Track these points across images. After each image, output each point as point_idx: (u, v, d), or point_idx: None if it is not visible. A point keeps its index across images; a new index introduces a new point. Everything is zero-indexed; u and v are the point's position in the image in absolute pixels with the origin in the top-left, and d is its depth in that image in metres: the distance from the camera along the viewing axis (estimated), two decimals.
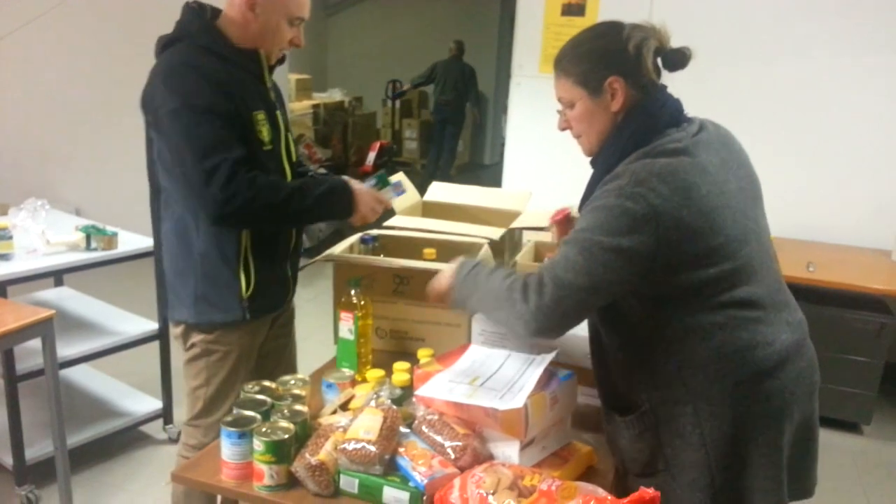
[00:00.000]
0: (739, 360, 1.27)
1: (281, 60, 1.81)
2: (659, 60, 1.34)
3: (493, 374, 1.39)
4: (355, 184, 1.82)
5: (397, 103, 9.26)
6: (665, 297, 1.28)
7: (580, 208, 1.40)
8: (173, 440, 2.87)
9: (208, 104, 1.58)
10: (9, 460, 2.45)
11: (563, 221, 1.71)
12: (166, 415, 2.89)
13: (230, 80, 1.65)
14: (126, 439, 2.85)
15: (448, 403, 1.32)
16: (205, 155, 1.56)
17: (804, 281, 2.90)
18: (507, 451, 1.28)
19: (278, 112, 1.79)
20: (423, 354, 1.65)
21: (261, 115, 1.70)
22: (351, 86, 8.76)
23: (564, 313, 1.27)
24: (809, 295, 2.71)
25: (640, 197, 1.20)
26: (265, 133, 1.71)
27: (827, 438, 1.91)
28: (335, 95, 8.47)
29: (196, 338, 1.78)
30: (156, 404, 2.90)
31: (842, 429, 3.19)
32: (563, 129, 1.44)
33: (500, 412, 1.23)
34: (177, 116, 1.58)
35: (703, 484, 1.30)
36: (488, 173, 9.02)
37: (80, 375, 3.07)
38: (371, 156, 8.71)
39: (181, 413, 2.84)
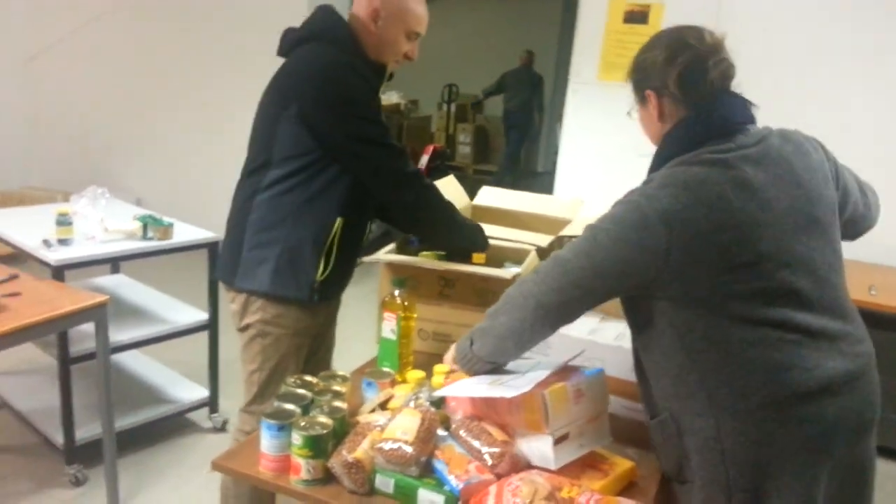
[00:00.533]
0: (770, 380, 1.21)
1: (390, 76, 1.88)
2: (698, 75, 1.31)
3: (516, 377, 1.36)
4: None
5: (453, 107, 9.28)
6: (688, 306, 1.24)
7: None
8: (218, 429, 2.92)
9: (372, 102, 1.74)
10: (59, 439, 2.53)
11: None
12: (212, 403, 2.95)
13: (373, 83, 1.76)
14: (172, 425, 2.92)
15: (472, 404, 1.32)
16: (399, 155, 1.77)
17: (866, 305, 2.78)
18: (542, 447, 1.25)
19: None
20: (439, 370, 1.53)
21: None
22: (407, 88, 8.81)
23: (559, 290, 1.28)
24: (871, 319, 2.59)
25: (657, 200, 1.22)
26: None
27: (888, 469, 1.81)
28: (392, 97, 8.53)
29: (254, 316, 1.79)
30: (202, 393, 2.96)
31: (884, 456, 3.04)
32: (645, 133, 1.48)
33: (518, 404, 1.23)
34: (342, 116, 1.68)
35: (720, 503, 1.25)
36: (540, 181, 8.94)
37: (131, 361, 3.15)
38: (424, 159, 8.75)
39: (227, 402, 2.92)
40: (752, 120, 1.34)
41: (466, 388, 1.35)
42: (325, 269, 1.76)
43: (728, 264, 1.21)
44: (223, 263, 1.87)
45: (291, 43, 1.77)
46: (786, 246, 1.24)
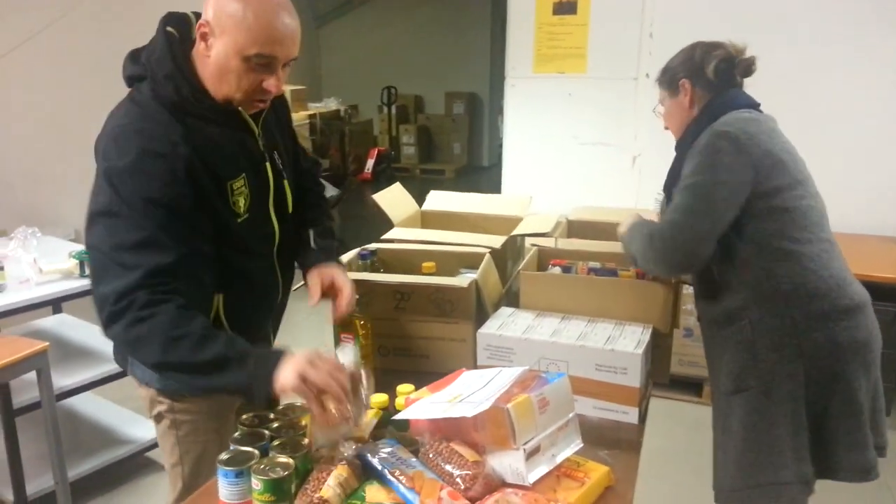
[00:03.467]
0: (833, 286, 1.58)
1: (270, 105, 1.46)
2: (730, 67, 1.73)
3: (477, 391, 1.31)
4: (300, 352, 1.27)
5: (393, 109, 9.23)
6: (768, 219, 1.59)
7: (665, 187, 1.77)
8: None
9: (152, 192, 1.27)
10: (10, 496, 2.39)
11: None
12: None
13: (202, 144, 1.33)
14: (132, 467, 2.80)
15: (438, 425, 1.28)
16: (121, 246, 1.26)
17: None
18: (514, 463, 1.21)
19: (268, 164, 1.48)
20: (403, 391, 1.48)
21: (238, 183, 1.40)
22: (346, 94, 8.73)
23: (688, 250, 1.59)
24: None
25: (729, 135, 1.58)
26: (241, 203, 1.41)
27: None
28: (331, 105, 8.44)
29: (161, 406, 1.53)
30: None
31: None
32: (665, 128, 1.88)
33: (483, 421, 1.19)
34: (108, 189, 1.28)
35: (798, 395, 1.58)
36: (487, 175, 8.96)
37: (83, 403, 3.02)
38: (370, 163, 8.70)
39: None
40: (756, 108, 1.74)
41: (426, 410, 1.30)
42: None
43: (790, 180, 1.61)
44: (115, 344, 1.52)
45: (125, 75, 1.42)
46: (802, 174, 1.67)
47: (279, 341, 1.68)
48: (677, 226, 1.59)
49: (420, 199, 2.48)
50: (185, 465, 1.58)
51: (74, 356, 2.71)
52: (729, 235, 1.61)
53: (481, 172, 9.26)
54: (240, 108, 1.38)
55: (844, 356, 1.58)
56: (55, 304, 3.08)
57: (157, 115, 1.32)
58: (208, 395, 1.49)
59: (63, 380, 2.45)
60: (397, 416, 1.34)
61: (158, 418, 1.58)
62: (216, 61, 1.30)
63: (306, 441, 1.26)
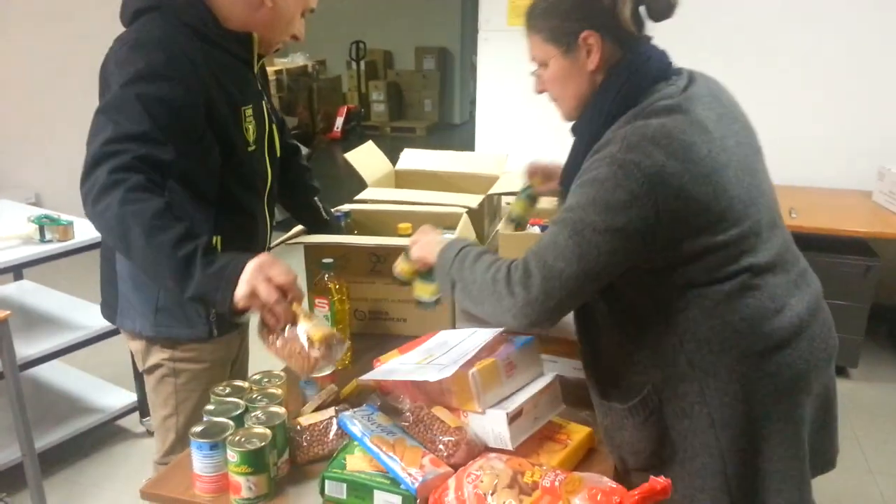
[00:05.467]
0: (746, 332, 1.16)
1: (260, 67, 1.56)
2: (642, 10, 1.20)
3: (446, 353, 1.29)
4: (263, 258, 1.23)
5: (362, 65, 9.03)
6: (666, 270, 1.15)
7: (562, 182, 1.30)
8: (151, 433, 2.76)
9: (162, 91, 1.27)
10: None
11: (540, 171, 1.65)
12: (142, 407, 2.78)
13: (219, 68, 1.38)
14: (102, 435, 2.74)
15: (406, 389, 1.26)
16: (117, 138, 1.23)
17: (788, 228, 2.83)
18: (497, 427, 1.20)
19: (264, 102, 1.55)
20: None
21: (248, 111, 1.46)
22: (313, 49, 8.49)
23: (556, 305, 1.13)
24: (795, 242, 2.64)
25: (634, 166, 1.07)
26: (251, 131, 1.47)
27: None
28: (297, 60, 8.22)
29: (159, 356, 1.53)
30: (130, 397, 2.79)
31: None
32: (539, 92, 1.30)
33: (448, 385, 1.19)
34: (115, 92, 1.27)
35: (715, 469, 1.19)
36: (459, 133, 8.87)
37: (49, 372, 2.94)
38: (339, 121, 8.53)
39: None
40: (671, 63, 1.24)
41: (392, 372, 1.29)
42: None
43: (708, 217, 1.12)
44: (103, 296, 1.58)
45: (127, 15, 1.42)
46: (745, 184, 1.17)
47: None
48: (535, 278, 1.13)
49: (391, 158, 2.41)
50: (180, 416, 1.57)
51: (38, 324, 2.63)
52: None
53: (453, 130, 9.15)
54: (250, 45, 1.46)
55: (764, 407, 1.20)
56: (16, 271, 2.99)
57: (177, 36, 1.35)
58: (207, 335, 1.50)
59: (26, 349, 2.37)
60: (364, 377, 1.32)
61: (153, 369, 1.56)
62: (280, 11, 1.43)
63: (283, 411, 1.22)
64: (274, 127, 1.60)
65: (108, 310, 1.58)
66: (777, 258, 1.22)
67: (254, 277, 1.18)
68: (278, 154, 1.64)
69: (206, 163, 1.40)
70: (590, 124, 1.21)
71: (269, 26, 1.45)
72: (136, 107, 1.25)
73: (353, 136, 8.49)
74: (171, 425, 1.59)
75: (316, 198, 1.88)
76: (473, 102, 4.31)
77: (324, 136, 8.42)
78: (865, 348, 3.18)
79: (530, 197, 1.68)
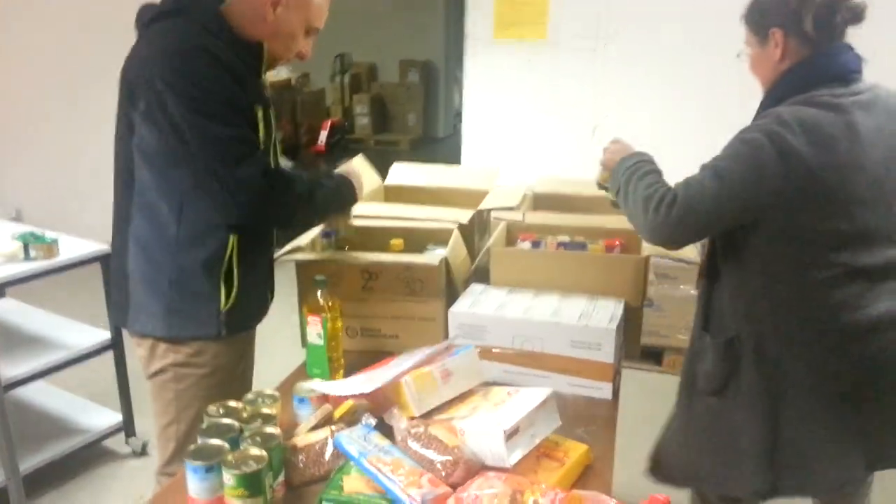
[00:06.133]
0: (829, 318, 1.39)
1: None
2: (835, 16, 1.41)
3: (393, 368, 1.39)
4: (344, 171, 1.77)
5: (346, 78, 9.03)
6: (780, 241, 1.40)
7: None
8: (138, 453, 2.73)
9: (230, 97, 1.42)
10: None
11: None
12: (128, 427, 2.74)
13: (235, 66, 1.45)
14: (87, 456, 2.69)
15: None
16: (236, 160, 1.41)
17: None
18: (494, 446, 1.19)
19: (271, 110, 1.61)
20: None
21: (260, 112, 1.53)
22: (297, 63, 8.48)
23: (685, 233, 1.43)
24: None
25: (778, 136, 1.34)
26: (261, 131, 1.53)
27: None
28: (281, 73, 8.18)
29: (163, 360, 1.55)
30: (115, 417, 2.74)
31: None
32: (751, 71, 1.57)
33: (388, 394, 1.29)
34: (195, 109, 1.38)
35: (762, 410, 1.45)
36: (443, 146, 8.88)
37: (33, 392, 2.88)
38: (323, 135, 8.49)
39: (144, 423, 2.72)
40: (861, 71, 1.46)
41: (338, 388, 1.37)
42: (228, 297, 1.53)
43: (827, 203, 1.36)
44: (114, 301, 1.64)
45: (143, 21, 1.50)
46: (871, 190, 1.39)
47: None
48: (679, 202, 1.39)
49: (377, 170, 2.41)
50: (181, 423, 1.58)
51: (22, 344, 2.58)
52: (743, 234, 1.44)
53: (437, 143, 9.16)
54: (261, 54, 1.53)
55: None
56: None
57: (204, 37, 1.43)
58: (215, 333, 1.56)
59: (11, 369, 2.33)
60: (311, 385, 1.43)
61: (158, 373, 1.58)
62: (280, 26, 1.50)
63: (278, 431, 1.21)
64: (276, 137, 1.66)
65: (119, 312, 1.60)
66: (881, 263, 1.41)
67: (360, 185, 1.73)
68: (278, 161, 1.70)
69: None
70: (766, 102, 1.48)
71: (271, 40, 1.51)
72: (223, 111, 1.42)
73: (337, 150, 8.47)
74: (171, 434, 1.60)
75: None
76: (457, 116, 4.34)
77: (308, 150, 8.40)
78: None
79: (602, 189, 1.78)
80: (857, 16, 1.42)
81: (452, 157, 4.29)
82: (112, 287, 1.64)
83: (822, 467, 1.48)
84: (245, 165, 1.42)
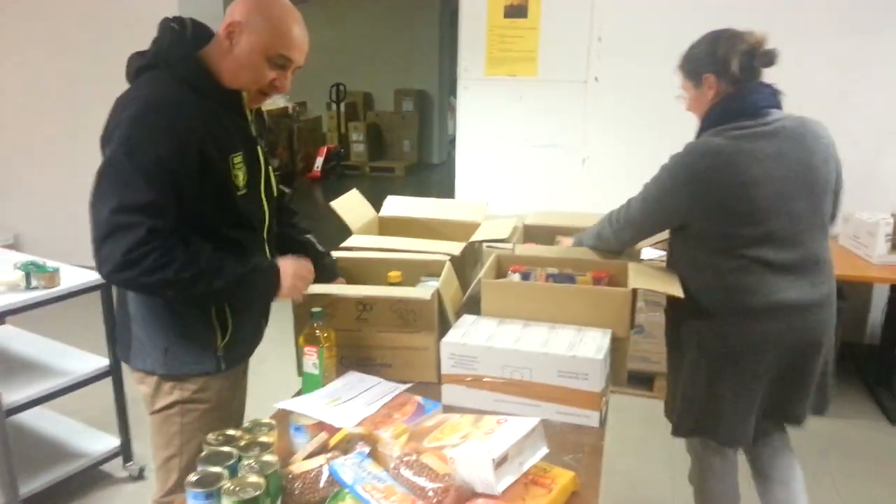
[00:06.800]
0: (736, 298, 1.78)
1: (256, 111, 1.66)
2: (753, 60, 1.77)
3: (353, 398, 1.58)
4: (284, 262, 1.60)
5: (342, 106, 9.16)
6: (698, 240, 1.80)
7: None
8: (135, 477, 2.76)
9: (160, 157, 1.39)
10: None
11: None
12: (125, 451, 2.78)
13: (208, 120, 1.47)
14: (85, 481, 2.73)
15: None
16: (104, 235, 1.38)
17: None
18: (483, 474, 1.24)
19: (259, 147, 1.64)
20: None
21: (238, 158, 1.54)
22: (294, 91, 8.58)
23: (632, 235, 1.95)
24: None
25: (685, 166, 1.76)
26: (241, 177, 1.56)
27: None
28: (279, 102, 8.32)
29: (168, 397, 1.61)
30: (113, 442, 2.78)
31: None
32: (687, 110, 1.92)
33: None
34: (121, 156, 1.39)
35: (691, 377, 1.89)
36: (437, 172, 8.98)
37: (31, 416, 2.91)
38: (319, 161, 8.62)
39: (141, 447, 2.75)
40: (776, 105, 1.79)
41: (306, 407, 1.50)
42: (224, 333, 1.60)
43: (729, 212, 1.73)
44: (118, 337, 1.69)
45: (131, 72, 1.54)
46: (774, 203, 1.73)
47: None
48: (616, 217, 1.95)
49: (371, 198, 2.48)
50: (183, 456, 1.62)
51: (22, 369, 2.62)
52: (682, 234, 1.87)
53: (432, 170, 9.28)
54: (243, 98, 1.55)
55: (731, 352, 1.83)
56: None
57: (173, 92, 1.46)
58: (215, 368, 1.62)
59: (11, 395, 2.37)
60: (280, 405, 1.55)
61: (161, 410, 1.63)
62: (240, 56, 1.49)
63: (275, 459, 1.26)
64: (270, 169, 1.71)
65: (124, 350, 1.66)
66: (791, 262, 1.77)
67: (291, 289, 1.58)
68: (275, 194, 1.73)
69: (202, 208, 1.51)
70: (698, 133, 1.83)
71: (238, 73, 1.51)
72: (139, 176, 1.38)
73: (333, 176, 8.57)
74: (173, 465, 1.64)
75: (309, 236, 1.95)
76: (452, 142, 4.42)
77: (304, 177, 8.50)
78: (836, 386, 3.26)
79: None
80: (770, 60, 1.78)
81: (447, 182, 4.37)
82: (117, 326, 1.69)
83: (732, 421, 1.86)
84: (112, 241, 1.37)
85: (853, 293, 3.41)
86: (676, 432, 2.00)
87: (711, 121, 1.79)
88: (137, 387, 1.67)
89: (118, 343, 1.70)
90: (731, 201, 1.72)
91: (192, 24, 1.56)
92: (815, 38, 3.49)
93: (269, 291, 1.56)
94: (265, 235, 1.70)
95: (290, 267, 1.58)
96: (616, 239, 1.97)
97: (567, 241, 2.20)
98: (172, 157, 1.41)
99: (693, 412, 1.92)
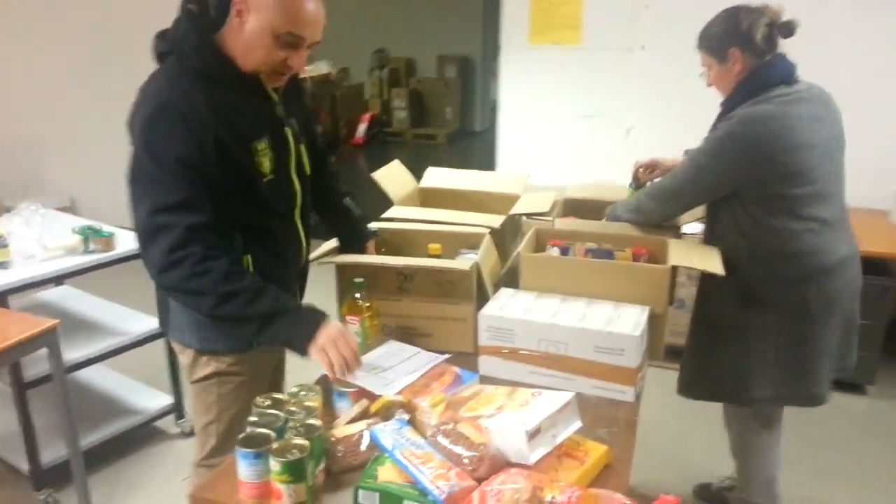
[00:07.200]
0: (810, 259, 1.88)
1: (291, 81, 1.60)
2: (775, 32, 1.86)
3: (394, 367, 1.62)
4: (333, 322, 1.51)
5: (385, 72, 9.14)
6: (764, 204, 1.87)
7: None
8: (187, 433, 2.90)
9: (182, 156, 1.41)
10: (25, 466, 2.47)
11: (645, 165, 2.30)
12: (178, 409, 2.92)
13: (226, 109, 1.46)
14: (140, 435, 2.88)
15: None
16: (146, 239, 1.43)
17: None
18: (517, 444, 1.28)
19: (287, 129, 1.60)
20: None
21: (261, 145, 1.52)
22: (336, 57, 8.63)
23: (679, 206, 2.02)
24: None
25: (743, 135, 1.82)
26: (266, 164, 1.54)
27: (831, 400, 2.01)
28: (321, 68, 8.35)
29: (205, 368, 1.66)
30: (167, 399, 2.92)
31: (846, 390, 3.22)
32: (709, 86, 2.00)
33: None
34: (144, 159, 1.43)
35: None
36: (480, 140, 8.94)
37: (90, 373, 3.07)
38: (361, 128, 8.66)
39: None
40: (795, 73, 1.90)
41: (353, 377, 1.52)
42: None
43: (788, 174, 1.83)
44: (159, 313, 1.73)
45: (155, 53, 1.54)
46: (822, 161, 1.86)
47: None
48: (665, 189, 1.99)
49: (413, 165, 2.51)
50: (221, 423, 1.69)
51: (80, 329, 2.76)
52: (733, 202, 1.92)
53: (474, 137, 9.23)
54: (261, 79, 1.51)
55: (811, 313, 1.93)
56: (58, 279, 3.12)
57: (183, 84, 1.45)
58: (248, 346, 1.61)
59: (72, 353, 2.51)
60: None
61: (200, 380, 1.68)
62: (249, 36, 1.44)
63: (320, 423, 1.33)
64: (302, 148, 1.67)
65: (163, 321, 1.73)
66: (836, 217, 1.91)
67: (327, 343, 1.45)
68: (308, 172, 1.71)
69: (226, 200, 1.49)
70: (729, 104, 1.90)
71: (246, 55, 1.46)
72: (166, 175, 1.41)
73: (375, 143, 8.61)
74: (212, 431, 1.71)
75: (346, 199, 1.95)
76: (494, 110, 4.40)
77: (347, 143, 8.56)
78: (882, 366, 3.23)
79: (639, 188, 2.27)
80: (790, 31, 1.87)
81: (489, 150, 4.37)
82: (157, 303, 1.74)
83: (824, 380, 1.97)
84: (152, 242, 1.42)
85: None
86: (755, 401, 2.03)
87: (747, 91, 1.86)
88: (179, 356, 1.75)
89: (159, 318, 1.75)
90: (790, 164, 1.81)
91: (217, 1, 1.49)
92: (873, 13, 3.37)
93: (302, 336, 1.46)
94: (297, 220, 1.69)
95: (334, 330, 1.47)
96: (660, 211, 2.02)
97: None
98: (193, 153, 1.42)
99: (777, 379, 1.97)
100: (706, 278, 1.98)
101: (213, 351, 1.65)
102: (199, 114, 1.43)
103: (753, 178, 1.85)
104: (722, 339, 2.04)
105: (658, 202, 2.02)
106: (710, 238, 2.04)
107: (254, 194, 1.54)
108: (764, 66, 1.87)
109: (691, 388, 2.14)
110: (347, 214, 1.94)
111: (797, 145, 1.81)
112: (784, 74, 1.88)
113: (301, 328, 1.47)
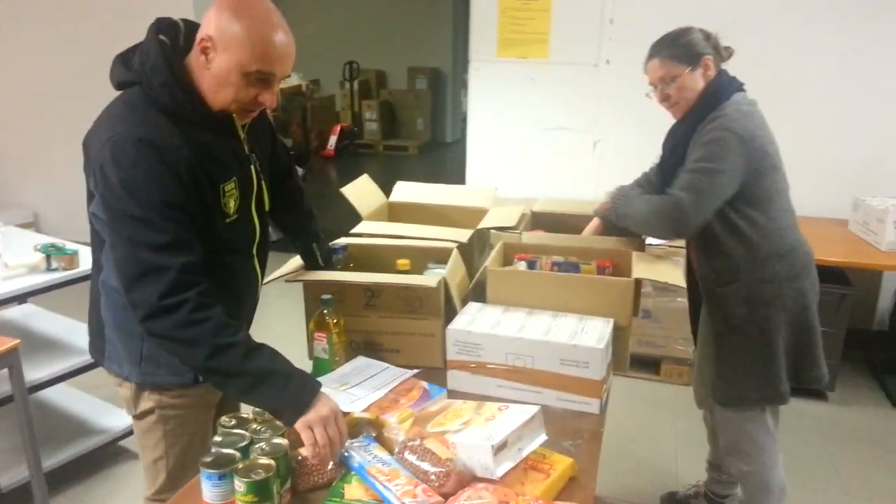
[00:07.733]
0: (805, 252, 2.03)
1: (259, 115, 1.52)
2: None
3: (361, 383, 1.63)
4: (329, 399, 1.38)
5: (356, 85, 9.16)
6: (751, 202, 1.94)
7: (665, 160, 2.12)
8: None
9: (164, 198, 1.33)
10: None
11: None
12: None
13: (200, 149, 1.39)
14: (105, 456, 2.83)
15: None
16: (135, 276, 1.33)
17: None
18: (483, 459, 1.29)
19: (253, 166, 1.55)
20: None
21: (230, 186, 1.47)
22: (307, 69, 8.62)
23: (693, 223, 1.92)
24: None
25: (736, 132, 1.88)
26: (231, 204, 1.48)
27: (793, 406, 2.06)
28: (292, 80, 8.33)
29: (149, 402, 1.57)
30: (130, 419, 2.86)
31: (807, 396, 3.30)
32: (662, 101, 2.03)
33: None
34: (119, 210, 1.34)
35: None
36: (450, 150, 8.98)
37: (53, 393, 3.01)
38: (332, 140, 8.64)
39: None
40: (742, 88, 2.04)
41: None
42: None
43: (770, 164, 1.94)
44: (91, 339, 1.63)
45: (114, 81, 1.44)
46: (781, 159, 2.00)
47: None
48: (689, 203, 1.90)
49: (384, 176, 2.52)
50: (169, 458, 1.62)
51: (43, 347, 2.71)
52: (725, 210, 1.97)
53: (445, 148, 9.27)
54: (232, 116, 1.45)
55: (808, 301, 2.04)
56: (21, 298, 3.07)
57: (156, 119, 1.37)
58: (193, 381, 1.55)
59: (34, 373, 2.46)
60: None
61: (142, 415, 1.60)
62: (216, 74, 1.36)
63: (285, 442, 1.32)
64: (263, 184, 1.61)
65: (97, 353, 1.64)
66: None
67: (315, 421, 1.32)
68: (267, 208, 1.65)
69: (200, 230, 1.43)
70: (698, 113, 1.96)
71: (214, 93, 1.39)
72: (152, 214, 1.32)
73: (346, 155, 8.60)
74: (161, 467, 1.63)
75: (313, 219, 1.92)
76: (465, 121, 4.42)
77: (318, 155, 8.53)
78: (842, 373, 3.30)
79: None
80: (730, 55, 2.04)
81: (460, 161, 4.38)
82: (90, 329, 1.64)
83: (823, 365, 2.06)
84: (142, 284, 1.32)
85: (862, 280, 3.42)
86: (784, 398, 2.06)
87: (721, 95, 1.96)
88: (117, 389, 1.63)
89: (91, 345, 1.65)
90: (774, 156, 1.95)
91: (187, 28, 1.44)
92: (827, 22, 3.46)
93: (293, 408, 1.34)
94: (254, 256, 1.64)
95: (326, 409, 1.34)
96: (696, 221, 1.91)
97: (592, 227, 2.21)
98: (177, 194, 1.35)
99: (790, 370, 2.04)
100: (710, 290, 2.09)
101: (156, 385, 1.56)
102: (175, 149, 1.36)
103: (752, 168, 1.91)
104: (744, 344, 2.06)
105: (693, 211, 1.89)
106: (704, 251, 2.07)
107: (214, 233, 1.47)
108: (725, 74, 2.02)
109: (740, 398, 2.11)
110: (311, 233, 1.91)
111: (772, 140, 1.96)
112: (738, 82, 2.02)
113: (292, 399, 1.34)
